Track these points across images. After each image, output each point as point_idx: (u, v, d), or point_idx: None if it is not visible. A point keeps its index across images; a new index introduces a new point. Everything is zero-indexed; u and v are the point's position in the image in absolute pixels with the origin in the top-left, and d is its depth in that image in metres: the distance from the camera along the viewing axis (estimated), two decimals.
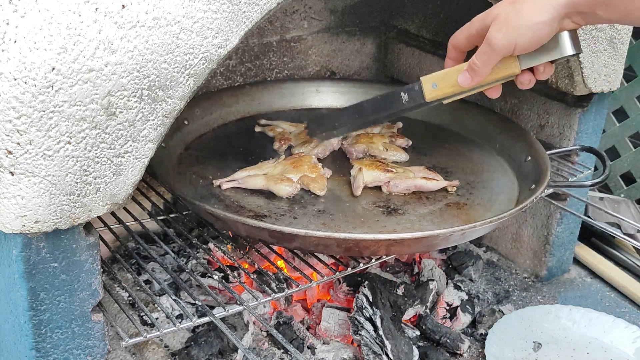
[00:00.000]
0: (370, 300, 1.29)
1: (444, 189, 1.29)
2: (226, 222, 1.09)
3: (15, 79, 0.75)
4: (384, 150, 1.39)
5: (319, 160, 1.35)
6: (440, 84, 1.10)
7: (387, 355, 1.22)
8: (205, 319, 1.00)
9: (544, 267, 1.60)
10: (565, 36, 0.99)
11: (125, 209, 1.18)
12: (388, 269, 1.52)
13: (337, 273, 1.18)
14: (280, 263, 1.25)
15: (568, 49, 1.00)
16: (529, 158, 1.34)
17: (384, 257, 1.21)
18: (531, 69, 1.04)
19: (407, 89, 1.15)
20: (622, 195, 1.93)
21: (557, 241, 1.56)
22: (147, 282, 1.42)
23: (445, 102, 1.14)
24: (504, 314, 1.44)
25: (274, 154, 1.38)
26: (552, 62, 1.03)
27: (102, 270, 0.94)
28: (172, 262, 1.46)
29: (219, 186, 1.24)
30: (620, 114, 1.94)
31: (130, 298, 1.38)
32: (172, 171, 1.29)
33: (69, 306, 0.90)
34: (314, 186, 1.24)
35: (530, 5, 0.95)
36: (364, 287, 1.31)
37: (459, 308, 1.42)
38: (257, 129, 1.49)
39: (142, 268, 1.41)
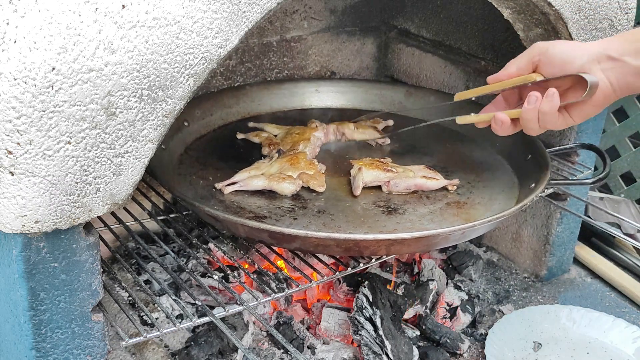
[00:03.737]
0: (370, 300, 1.29)
1: (444, 188, 1.29)
2: (226, 223, 1.09)
3: (15, 79, 0.75)
4: (354, 130, 1.46)
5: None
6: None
7: (387, 355, 1.22)
8: (205, 319, 1.00)
9: (544, 267, 1.60)
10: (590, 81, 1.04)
11: (125, 209, 1.18)
12: (388, 269, 1.52)
13: (337, 273, 1.18)
14: (280, 263, 1.25)
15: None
16: (529, 157, 1.34)
17: (384, 257, 1.21)
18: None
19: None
20: (622, 195, 1.93)
21: (557, 241, 1.56)
22: (147, 282, 1.42)
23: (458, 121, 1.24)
24: (504, 314, 1.44)
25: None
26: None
27: (102, 270, 0.94)
28: (172, 262, 1.46)
29: (220, 190, 1.24)
30: (620, 114, 1.94)
31: (130, 298, 1.38)
32: (173, 172, 1.29)
33: (69, 306, 0.90)
34: (313, 183, 1.24)
35: (575, 46, 1.08)
36: (364, 287, 1.31)
37: (459, 308, 1.42)
38: (240, 136, 1.47)
39: (142, 268, 1.41)
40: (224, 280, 1.21)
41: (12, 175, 0.79)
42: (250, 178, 1.25)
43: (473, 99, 1.21)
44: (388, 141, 1.48)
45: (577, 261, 1.69)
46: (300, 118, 1.57)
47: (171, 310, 1.32)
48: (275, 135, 1.45)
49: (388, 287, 1.37)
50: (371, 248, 1.07)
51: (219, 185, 1.24)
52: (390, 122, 1.55)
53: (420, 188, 1.28)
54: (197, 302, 1.06)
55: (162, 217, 1.28)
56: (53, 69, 0.76)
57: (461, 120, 1.23)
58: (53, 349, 0.91)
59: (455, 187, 1.30)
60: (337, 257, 1.23)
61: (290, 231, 1.03)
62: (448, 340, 1.34)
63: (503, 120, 1.12)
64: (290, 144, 1.38)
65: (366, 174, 1.26)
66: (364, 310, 1.28)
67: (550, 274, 1.61)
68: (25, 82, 0.75)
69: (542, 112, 1.06)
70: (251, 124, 1.51)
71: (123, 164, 0.86)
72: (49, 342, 0.91)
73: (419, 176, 1.27)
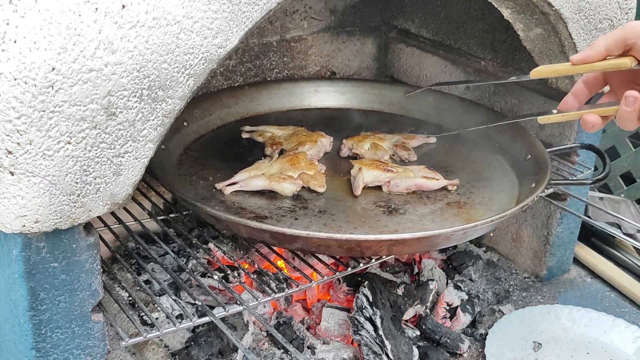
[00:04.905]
0: (370, 300, 1.29)
1: (445, 188, 1.29)
2: (228, 224, 1.09)
3: (15, 79, 0.75)
4: (368, 150, 1.39)
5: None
6: (549, 68, 1.08)
7: (387, 355, 1.22)
8: (205, 319, 1.00)
9: (544, 267, 1.60)
10: None
11: (125, 209, 1.17)
12: (388, 269, 1.52)
13: (337, 273, 1.18)
14: (280, 263, 1.25)
15: None
16: (529, 157, 1.34)
17: (385, 257, 1.21)
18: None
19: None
20: (622, 195, 1.93)
21: (557, 241, 1.56)
22: (147, 282, 1.42)
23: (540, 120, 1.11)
24: (504, 314, 1.44)
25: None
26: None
27: (102, 270, 0.94)
28: (172, 262, 1.46)
29: (221, 190, 1.24)
30: None
31: (130, 298, 1.38)
32: (173, 173, 1.29)
33: (69, 306, 0.90)
34: (314, 183, 1.24)
35: None
36: (364, 287, 1.31)
37: (459, 308, 1.42)
38: (244, 135, 1.48)
39: (142, 268, 1.41)
40: (224, 280, 1.21)
41: (12, 175, 0.79)
42: (250, 178, 1.25)
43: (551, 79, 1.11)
44: (414, 157, 1.41)
45: (577, 261, 1.69)
46: (299, 118, 1.57)
47: (171, 310, 1.32)
48: (279, 136, 1.45)
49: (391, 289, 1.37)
50: (373, 248, 1.07)
51: (219, 186, 1.24)
52: (432, 140, 1.48)
53: (421, 188, 1.28)
54: (197, 302, 1.06)
55: (162, 217, 1.28)
56: (53, 69, 0.76)
57: (544, 120, 1.09)
58: (53, 349, 0.91)
59: (455, 187, 1.29)
60: (337, 257, 1.23)
61: (292, 231, 1.03)
62: (448, 340, 1.34)
63: (594, 123, 1.01)
64: (295, 142, 1.38)
65: (366, 174, 1.26)
66: (364, 310, 1.27)
67: (550, 274, 1.61)
68: (25, 82, 0.75)
69: None
70: (248, 128, 1.50)
71: (123, 164, 0.86)
72: (49, 342, 0.91)
73: (419, 176, 1.27)
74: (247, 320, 1.31)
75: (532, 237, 1.60)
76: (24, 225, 0.82)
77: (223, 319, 1.08)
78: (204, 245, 1.37)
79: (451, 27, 1.68)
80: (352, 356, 1.29)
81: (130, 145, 0.86)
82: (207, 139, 1.46)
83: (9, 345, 0.95)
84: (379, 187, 1.28)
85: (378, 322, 1.26)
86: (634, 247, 1.69)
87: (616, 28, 1.33)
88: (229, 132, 1.50)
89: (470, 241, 1.66)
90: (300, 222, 1.16)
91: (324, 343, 1.32)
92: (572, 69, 1.02)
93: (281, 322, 1.32)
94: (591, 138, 1.48)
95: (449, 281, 1.50)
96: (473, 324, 1.43)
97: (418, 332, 1.37)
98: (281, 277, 1.18)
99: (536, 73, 1.07)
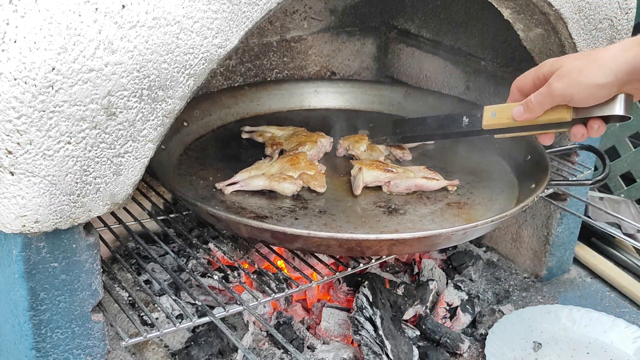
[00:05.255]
0: (370, 300, 1.29)
1: (445, 189, 1.29)
2: (228, 223, 1.09)
3: (15, 79, 0.75)
4: (364, 151, 1.39)
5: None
6: (499, 114, 1.14)
7: (387, 355, 1.22)
8: (205, 319, 1.00)
9: (544, 267, 1.60)
10: (620, 98, 1.01)
11: (125, 209, 1.18)
12: (388, 269, 1.52)
13: (337, 273, 1.18)
14: (280, 263, 1.25)
15: (617, 109, 1.01)
16: (529, 157, 1.34)
17: (385, 257, 1.21)
18: (584, 124, 1.07)
19: (469, 113, 1.20)
20: (622, 195, 1.93)
21: (557, 241, 1.56)
22: (147, 282, 1.42)
23: (496, 136, 1.18)
24: (504, 314, 1.44)
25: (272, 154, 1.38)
26: (605, 121, 1.06)
27: (102, 270, 0.94)
28: (172, 262, 1.46)
29: (221, 190, 1.24)
30: None
31: (130, 298, 1.38)
32: (173, 173, 1.29)
33: (69, 306, 0.90)
34: (314, 184, 1.24)
35: (594, 67, 0.98)
36: (364, 287, 1.31)
37: (459, 308, 1.42)
38: (244, 135, 1.48)
39: (142, 268, 1.41)
40: (224, 280, 1.21)
41: (12, 175, 0.79)
42: (250, 178, 1.25)
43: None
44: (409, 157, 1.43)
45: (577, 261, 1.69)
46: (299, 119, 1.57)
47: (171, 310, 1.32)
48: (279, 136, 1.45)
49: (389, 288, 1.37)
50: (374, 248, 1.07)
51: (219, 186, 1.25)
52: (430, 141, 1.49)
53: (421, 188, 1.28)
54: (197, 302, 1.06)
55: (162, 217, 1.28)
56: (53, 69, 0.76)
57: (499, 136, 1.19)
58: (53, 349, 0.91)
59: (455, 187, 1.30)
60: (337, 257, 1.23)
61: (293, 231, 1.03)
62: (448, 340, 1.34)
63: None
64: (295, 143, 1.38)
65: (366, 174, 1.26)
66: (364, 310, 1.28)
67: (550, 274, 1.61)
68: (25, 82, 0.75)
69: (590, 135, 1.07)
70: (248, 128, 1.50)
71: (123, 164, 0.86)
72: (49, 342, 0.91)
73: (419, 177, 1.27)
74: (247, 320, 1.31)
75: (532, 237, 1.60)
76: (24, 225, 0.82)
77: (223, 319, 1.08)
78: (204, 245, 1.37)
79: (451, 27, 1.69)
80: (352, 356, 1.29)
81: (130, 145, 0.86)
82: (207, 139, 1.46)
83: (9, 345, 0.95)
84: (379, 187, 1.28)
85: (378, 322, 1.26)
86: (634, 247, 1.69)
87: (615, 28, 1.33)
88: (229, 132, 1.50)
89: (470, 241, 1.66)
90: (300, 222, 1.17)
91: (324, 343, 1.32)
92: (516, 123, 1.11)
93: (281, 322, 1.32)
94: (591, 138, 1.48)
95: (449, 281, 1.50)
96: (473, 324, 1.43)
97: (418, 332, 1.37)
98: (281, 277, 1.18)
99: (487, 124, 1.16)
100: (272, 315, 1.35)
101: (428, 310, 1.41)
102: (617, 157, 1.95)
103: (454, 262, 1.58)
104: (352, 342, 1.31)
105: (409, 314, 1.39)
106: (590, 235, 1.73)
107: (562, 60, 1.03)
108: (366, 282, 1.32)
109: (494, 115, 1.15)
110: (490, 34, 1.58)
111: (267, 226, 1.04)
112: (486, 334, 1.37)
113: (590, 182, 1.30)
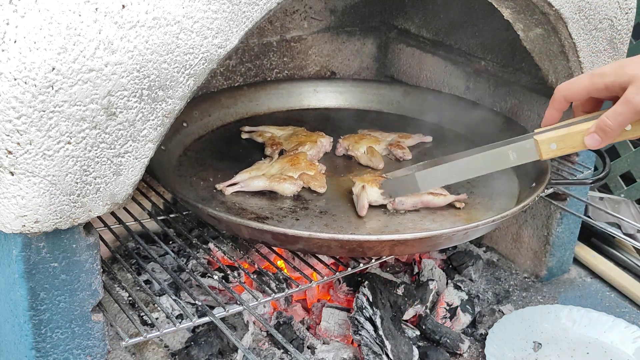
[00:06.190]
0: (370, 300, 1.29)
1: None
2: (229, 225, 1.09)
3: (15, 79, 0.75)
4: (363, 154, 1.38)
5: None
6: (560, 144, 1.05)
7: (387, 355, 1.22)
8: (205, 319, 1.00)
9: (544, 267, 1.60)
10: None
11: (125, 209, 1.17)
12: (388, 269, 1.52)
13: (337, 273, 1.18)
14: (280, 263, 1.25)
15: None
16: None
17: (386, 257, 1.21)
18: None
19: (516, 147, 1.08)
20: (622, 195, 1.93)
21: (557, 241, 1.56)
22: (147, 282, 1.42)
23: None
24: (504, 314, 1.44)
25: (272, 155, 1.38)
26: None
27: (102, 270, 0.94)
28: (172, 262, 1.46)
29: (221, 191, 1.24)
30: None
31: (130, 298, 1.38)
32: (173, 174, 1.29)
33: (69, 306, 0.90)
34: (314, 184, 1.24)
35: None
36: (364, 287, 1.31)
37: (459, 308, 1.42)
38: (244, 135, 1.47)
39: (142, 268, 1.41)
40: (224, 280, 1.21)
41: (12, 175, 0.79)
42: (251, 179, 1.25)
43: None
44: (409, 156, 1.41)
45: (577, 261, 1.69)
46: (299, 118, 1.57)
47: (171, 310, 1.32)
48: (279, 136, 1.45)
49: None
50: (375, 249, 1.07)
51: (219, 186, 1.24)
52: (428, 139, 1.48)
53: (427, 205, 1.22)
54: (197, 302, 1.06)
55: (162, 217, 1.28)
56: (53, 69, 0.76)
57: (551, 153, 1.08)
58: (53, 349, 0.91)
59: (463, 204, 1.24)
60: (338, 257, 1.23)
61: (294, 232, 1.03)
62: (448, 340, 1.34)
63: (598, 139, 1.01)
64: (295, 143, 1.38)
65: (371, 192, 1.20)
66: (364, 310, 1.28)
67: (550, 274, 1.61)
68: (25, 82, 0.75)
69: None
70: (247, 128, 1.50)
71: (123, 164, 0.86)
72: (49, 342, 0.91)
73: (425, 193, 1.21)
74: (247, 320, 1.31)
75: (532, 237, 1.60)
76: (24, 225, 0.82)
77: (223, 319, 1.08)
78: (204, 246, 1.37)
79: (451, 27, 1.69)
80: (352, 356, 1.29)
81: (130, 145, 0.86)
82: (207, 140, 1.46)
83: (9, 345, 0.95)
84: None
85: (378, 322, 1.26)
86: (634, 247, 1.69)
87: (615, 28, 1.33)
88: (229, 132, 1.50)
89: (470, 241, 1.66)
90: (301, 222, 1.16)
91: (324, 343, 1.32)
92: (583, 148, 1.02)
93: (281, 322, 1.32)
94: None
95: (449, 281, 1.50)
96: (473, 324, 1.43)
97: (418, 332, 1.37)
98: (281, 277, 1.18)
99: (547, 156, 1.07)
100: (272, 315, 1.35)
101: (428, 310, 1.41)
102: (617, 157, 1.95)
103: (454, 262, 1.58)
104: (352, 342, 1.31)
105: (409, 314, 1.39)
106: (590, 235, 1.73)
107: (630, 68, 0.93)
108: (366, 282, 1.32)
109: (554, 147, 1.05)
110: (490, 34, 1.58)
111: (268, 228, 1.04)
112: (486, 334, 1.37)
113: (590, 181, 1.30)
